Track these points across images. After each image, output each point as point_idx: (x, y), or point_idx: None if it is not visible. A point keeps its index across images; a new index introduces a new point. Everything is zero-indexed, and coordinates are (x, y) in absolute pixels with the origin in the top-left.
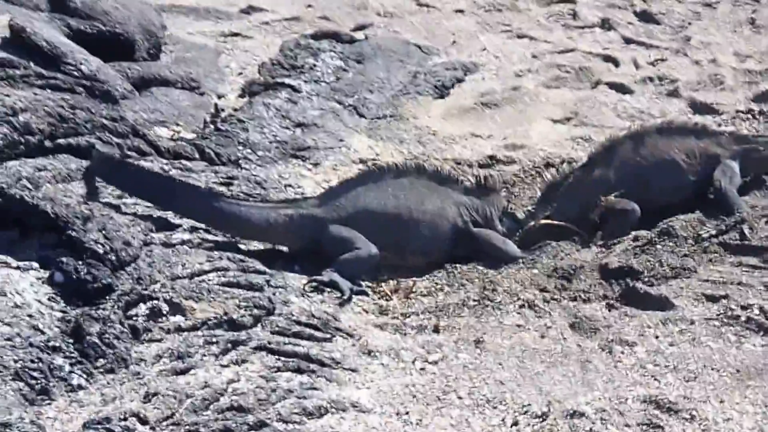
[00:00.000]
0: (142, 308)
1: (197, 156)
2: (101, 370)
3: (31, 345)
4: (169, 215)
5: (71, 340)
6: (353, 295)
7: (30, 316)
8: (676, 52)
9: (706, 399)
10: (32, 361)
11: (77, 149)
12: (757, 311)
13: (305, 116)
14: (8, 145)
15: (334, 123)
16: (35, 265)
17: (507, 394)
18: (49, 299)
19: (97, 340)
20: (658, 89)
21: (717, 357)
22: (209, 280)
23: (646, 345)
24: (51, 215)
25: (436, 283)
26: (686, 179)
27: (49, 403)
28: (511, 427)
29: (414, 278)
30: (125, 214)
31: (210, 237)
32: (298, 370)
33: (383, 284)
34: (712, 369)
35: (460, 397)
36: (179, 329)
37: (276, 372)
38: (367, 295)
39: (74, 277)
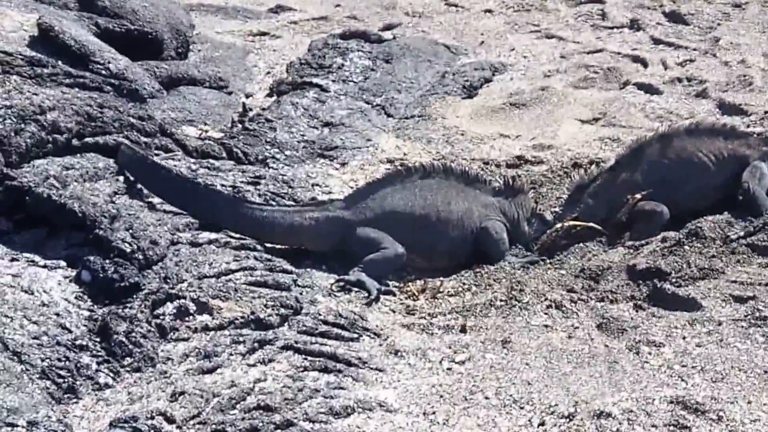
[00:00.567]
0: (169, 307)
1: (225, 155)
2: (128, 368)
3: (58, 343)
4: None
5: (98, 339)
6: (381, 295)
7: (57, 314)
8: (705, 52)
9: (733, 400)
10: (59, 360)
11: (105, 148)
12: None
13: (333, 116)
14: (36, 144)
15: (361, 122)
16: (63, 263)
17: (534, 395)
18: (76, 298)
19: (124, 339)
20: (687, 90)
21: (744, 358)
22: (236, 279)
23: (673, 346)
24: (78, 214)
25: (463, 284)
26: (714, 181)
27: (76, 402)
28: (538, 427)
29: (441, 278)
30: (153, 212)
31: (237, 236)
32: (325, 370)
33: (411, 284)
34: (740, 370)
35: (486, 398)
36: (206, 328)
37: (303, 371)
38: (394, 294)
39: (101, 275)
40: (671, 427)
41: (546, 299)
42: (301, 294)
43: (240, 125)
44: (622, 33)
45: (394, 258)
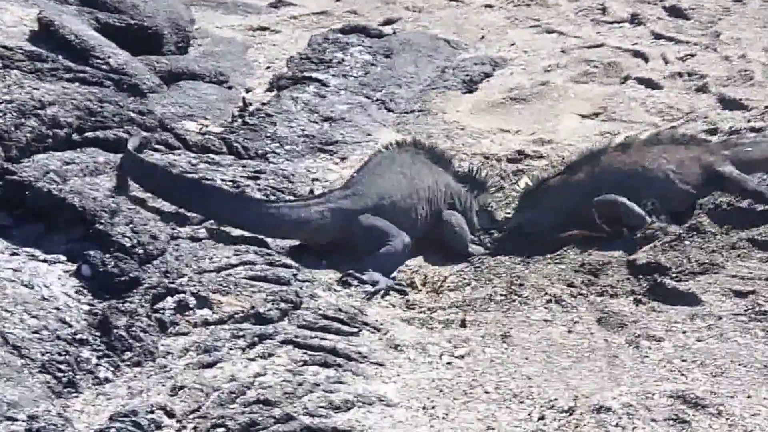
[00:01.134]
0: (169, 302)
1: (225, 150)
2: (128, 363)
3: (58, 338)
4: None
5: (98, 333)
6: (396, 293)
7: (57, 308)
8: (706, 47)
9: (733, 394)
10: (59, 354)
11: (105, 143)
12: None
13: (333, 110)
14: (36, 139)
15: (361, 117)
16: (63, 258)
17: (534, 389)
18: (76, 292)
19: (124, 333)
20: (687, 85)
21: (744, 352)
22: (236, 273)
23: (673, 340)
24: (78, 208)
25: (463, 278)
26: (678, 189)
27: (76, 396)
28: (538, 421)
29: (443, 273)
30: (152, 207)
31: (237, 231)
32: (325, 364)
33: (415, 275)
34: (740, 364)
35: (486, 392)
36: (206, 323)
37: (303, 366)
38: (406, 294)
39: (101, 270)
40: (671, 422)
41: (546, 294)
42: (301, 288)
43: (240, 120)
44: (623, 28)
45: (403, 249)
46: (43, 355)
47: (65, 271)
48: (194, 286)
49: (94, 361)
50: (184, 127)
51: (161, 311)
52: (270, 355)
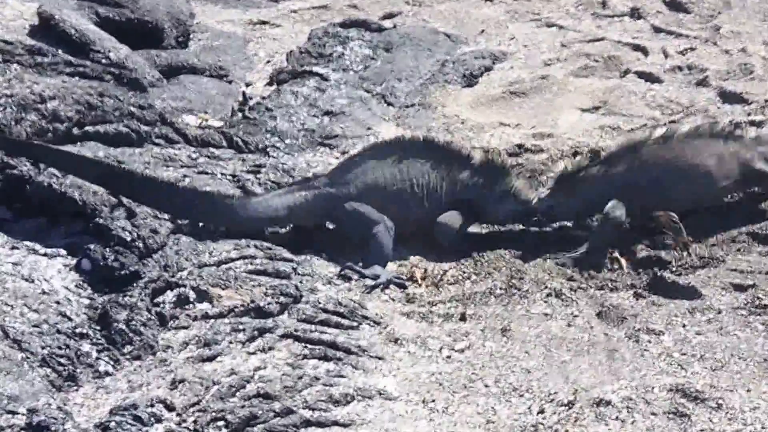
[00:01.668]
0: (169, 295)
1: (225, 144)
2: (128, 356)
3: (58, 331)
4: None
5: (98, 327)
6: (396, 286)
7: (57, 302)
8: (706, 41)
9: (732, 388)
10: (59, 348)
11: (105, 137)
12: None
13: (333, 104)
14: (37, 133)
15: (362, 111)
16: (63, 252)
17: (533, 383)
18: (76, 286)
19: (124, 327)
20: (687, 78)
21: (744, 346)
22: (236, 267)
23: (673, 334)
24: (79, 202)
25: (463, 272)
26: (715, 185)
27: (76, 389)
28: (537, 415)
29: (443, 267)
30: None
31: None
32: (325, 358)
33: (415, 269)
34: (739, 358)
35: (486, 385)
36: (206, 316)
37: (302, 359)
38: (405, 287)
39: (102, 264)
40: (670, 415)
41: (546, 287)
42: (300, 282)
43: (240, 114)
44: (623, 21)
45: (388, 235)
46: (43, 348)
47: (65, 264)
48: (194, 279)
49: (95, 354)
50: (184, 121)
51: (161, 305)
52: (270, 348)
